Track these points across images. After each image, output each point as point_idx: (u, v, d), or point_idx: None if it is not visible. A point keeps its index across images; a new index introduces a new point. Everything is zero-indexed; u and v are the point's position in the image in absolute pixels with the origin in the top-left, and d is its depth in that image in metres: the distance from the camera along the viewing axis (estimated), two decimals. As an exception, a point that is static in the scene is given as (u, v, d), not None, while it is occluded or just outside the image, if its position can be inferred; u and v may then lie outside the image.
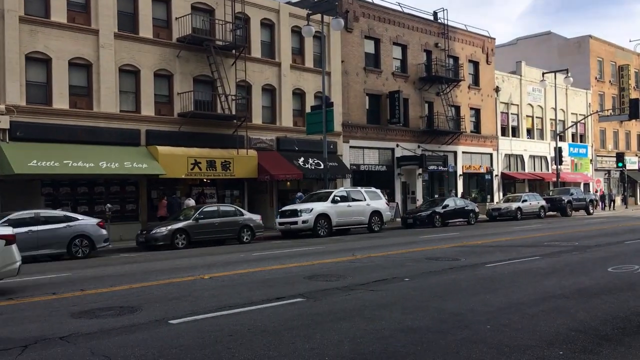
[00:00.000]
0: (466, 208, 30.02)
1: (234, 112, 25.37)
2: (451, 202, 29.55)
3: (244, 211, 21.49)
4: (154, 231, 18.67)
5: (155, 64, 23.65)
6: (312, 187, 28.87)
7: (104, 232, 17.17)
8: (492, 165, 40.89)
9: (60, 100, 21.29)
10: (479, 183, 40.89)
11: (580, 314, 7.62)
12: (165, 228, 18.72)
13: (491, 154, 40.90)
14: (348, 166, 30.87)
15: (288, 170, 26.62)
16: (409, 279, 10.52)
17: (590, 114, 46.71)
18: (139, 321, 7.34)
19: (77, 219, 16.85)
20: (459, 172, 38.40)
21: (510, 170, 42.41)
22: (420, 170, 35.13)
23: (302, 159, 28.16)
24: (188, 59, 24.61)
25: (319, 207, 23.02)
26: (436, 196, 34.76)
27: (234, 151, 25.09)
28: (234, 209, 21.17)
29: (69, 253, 16.42)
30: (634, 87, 55.87)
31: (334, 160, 29.80)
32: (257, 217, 21.49)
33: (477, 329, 6.86)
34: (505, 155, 42.13)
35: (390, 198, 32.85)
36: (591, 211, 38.27)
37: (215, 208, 20.54)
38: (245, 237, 20.55)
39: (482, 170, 40.30)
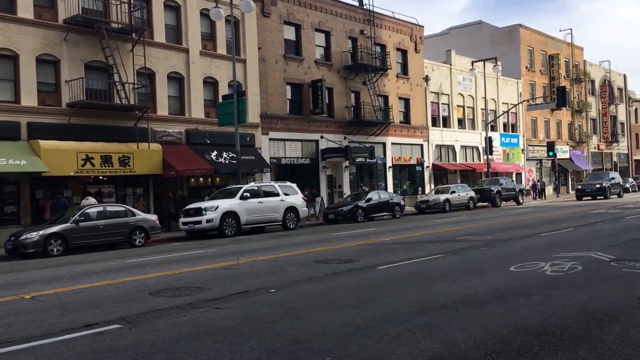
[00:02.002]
0: (391, 201, 28.76)
1: (133, 102, 23.04)
2: (375, 196, 28.21)
3: (137, 211, 19.29)
4: (23, 237, 16.28)
5: (37, 48, 21.05)
6: (227, 183, 26.83)
7: (-45, 240, 14.71)
8: (422, 156, 39.92)
9: None
10: (410, 175, 39.86)
11: (454, 333, 6.10)
12: (36, 233, 16.34)
13: (422, 145, 39.91)
14: (268, 160, 29.02)
15: (197, 165, 24.52)
16: (275, 290, 8.80)
17: (520, 103, 46.53)
18: None
19: None
20: (389, 163, 37.19)
21: (441, 161, 41.60)
22: (347, 163, 33.66)
23: (215, 152, 26.11)
24: (77, 42, 22.10)
25: (225, 204, 21.10)
26: (366, 188, 33.29)
27: (133, 145, 22.78)
28: (124, 209, 18.95)
29: None
30: (564, 76, 56.35)
31: (252, 153, 27.90)
32: (152, 218, 19.37)
33: (312, 363, 5.21)
34: (437, 146, 41.27)
35: (315, 193, 31.25)
36: (521, 201, 37.87)
37: (101, 209, 18.25)
38: (138, 240, 18.40)
39: (413, 162, 39.25)
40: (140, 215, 19.06)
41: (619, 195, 40.32)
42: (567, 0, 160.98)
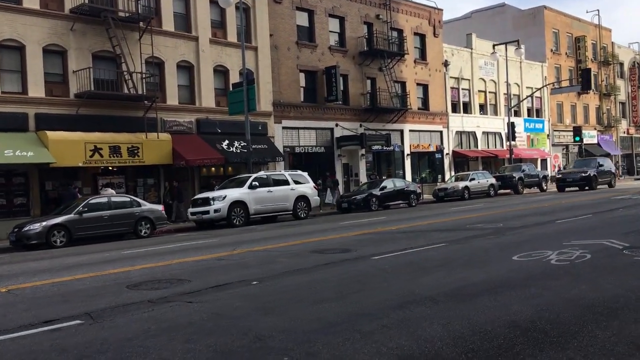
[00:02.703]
0: (406, 189, 28.07)
1: (142, 92, 22.79)
2: (390, 184, 27.56)
3: (142, 202, 19.07)
4: (26, 228, 16.19)
5: (44, 39, 20.92)
6: (239, 172, 26.46)
7: (-44, 232, 14.67)
8: (442, 143, 38.97)
9: None
10: (429, 162, 39.00)
11: (433, 329, 5.61)
12: (39, 224, 16.24)
13: (441, 132, 38.97)
14: (281, 148, 28.58)
15: (207, 154, 24.22)
16: (257, 282, 8.38)
17: (544, 86, 45.03)
18: None
19: None
20: (407, 151, 36.39)
21: (462, 148, 40.58)
22: (363, 151, 33.02)
23: (226, 142, 25.77)
24: (85, 32, 21.91)
25: (233, 193, 20.75)
26: (384, 177, 32.57)
27: (142, 135, 22.57)
28: (129, 199, 18.74)
29: None
30: (591, 59, 54.50)
31: (264, 142, 27.49)
32: (158, 208, 19.14)
33: (266, 364, 4.78)
34: (457, 132, 40.26)
35: (336, 180, 30.51)
36: (544, 187, 36.71)
37: (105, 199, 18.07)
38: (144, 231, 18.19)
39: (432, 149, 38.33)
40: (146, 205, 18.84)
41: (610, 185, 34.72)
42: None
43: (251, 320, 6.21)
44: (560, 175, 34.38)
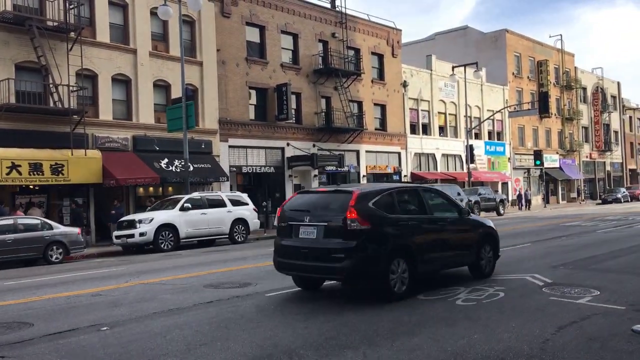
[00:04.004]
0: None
1: (71, 106, 21.37)
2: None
3: (55, 224, 17.49)
4: None
5: (-41, 47, 19.51)
6: (181, 193, 25.03)
7: None
8: (400, 165, 38.15)
9: None
10: (387, 184, 38.01)
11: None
12: None
13: (399, 153, 38.16)
14: (227, 168, 27.31)
15: (141, 173, 22.80)
16: (108, 328, 7.10)
17: (502, 109, 44.63)
18: None
19: None
20: (363, 172, 35.44)
21: (421, 170, 39.81)
22: (316, 172, 31.93)
23: (165, 160, 24.43)
24: (7, 41, 20.47)
25: (162, 216, 19.35)
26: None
27: (68, 152, 21.11)
28: (39, 222, 17.15)
29: None
30: (553, 84, 54.67)
31: (207, 161, 26.21)
32: (73, 231, 17.60)
33: None
34: (415, 154, 39.50)
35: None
36: (501, 212, 36.03)
37: (10, 221, 16.53)
38: (55, 256, 16.65)
39: (390, 171, 37.46)
40: (60, 228, 17.31)
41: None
42: (568, 11, 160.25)
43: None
44: None
